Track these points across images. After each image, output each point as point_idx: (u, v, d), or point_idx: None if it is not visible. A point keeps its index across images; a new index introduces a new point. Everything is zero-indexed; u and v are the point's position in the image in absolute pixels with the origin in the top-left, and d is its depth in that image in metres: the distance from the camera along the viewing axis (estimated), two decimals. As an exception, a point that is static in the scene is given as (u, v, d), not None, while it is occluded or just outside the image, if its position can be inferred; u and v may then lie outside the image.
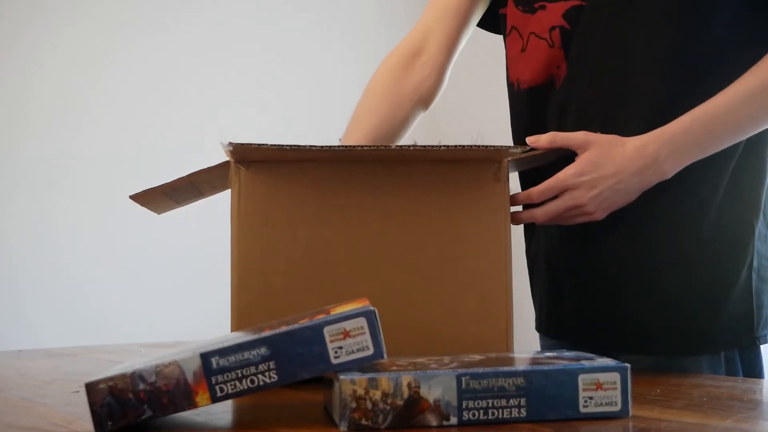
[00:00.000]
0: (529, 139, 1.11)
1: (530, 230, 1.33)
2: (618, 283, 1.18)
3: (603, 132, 1.12)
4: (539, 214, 1.11)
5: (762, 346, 1.19)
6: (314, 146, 0.97)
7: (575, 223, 1.12)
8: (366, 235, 1.03)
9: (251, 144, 0.96)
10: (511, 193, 1.07)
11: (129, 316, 3.13)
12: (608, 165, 1.09)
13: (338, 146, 0.97)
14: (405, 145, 0.99)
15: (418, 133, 4.53)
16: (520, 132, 1.30)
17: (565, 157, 1.20)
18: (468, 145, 0.99)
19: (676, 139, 1.09)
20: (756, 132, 1.14)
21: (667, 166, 1.10)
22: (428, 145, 0.98)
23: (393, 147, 0.99)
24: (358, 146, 0.97)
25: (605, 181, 1.08)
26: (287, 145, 0.97)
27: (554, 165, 1.25)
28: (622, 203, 1.11)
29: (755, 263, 1.16)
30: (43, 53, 3.07)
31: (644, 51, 1.15)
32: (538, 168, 1.27)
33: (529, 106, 1.26)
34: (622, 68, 1.17)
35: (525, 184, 1.32)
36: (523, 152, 1.05)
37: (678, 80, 1.14)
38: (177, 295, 3.22)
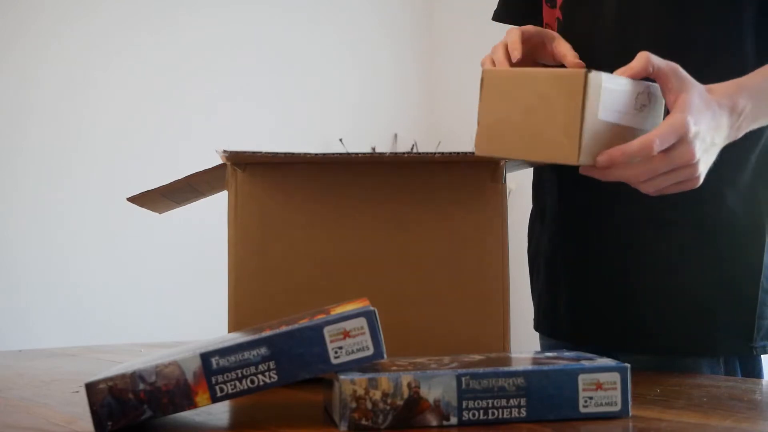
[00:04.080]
0: (619, 71, 0.91)
1: (532, 230, 1.33)
2: (619, 283, 1.18)
3: None
4: (642, 172, 0.87)
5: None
6: (308, 153, 0.97)
7: (667, 193, 0.92)
8: (363, 237, 1.03)
9: (245, 152, 0.97)
10: (509, 194, 1.07)
11: (129, 316, 3.13)
12: (709, 113, 0.91)
13: (333, 154, 0.98)
14: (400, 153, 0.99)
15: (418, 133, 4.52)
16: None
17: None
18: (464, 152, 0.99)
19: (760, 93, 0.97)
20: None
21: (744, 125, 0.97)
22: (423, 153, 0.99)
23: (387, 154, 1.00)
24: (353, 153, 0.98)
25: (710, 133, 0.90)
26: (281, 152, 0.97)
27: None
28: (709, 167, 0.94)
29: (763, 274, 1.14)
30: (46, 50, 3.07)
31: (609, 49, 1.16)
32: (553, 171, 1.26)
33: None
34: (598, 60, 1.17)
35: (538, 187, 1.32)
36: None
37: None
38: (177, 295, 3.22)
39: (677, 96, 0.89)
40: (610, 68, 1.16)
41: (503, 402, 0.76)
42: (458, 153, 0.99)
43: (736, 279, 1.13)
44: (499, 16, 1.38)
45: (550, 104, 0.84)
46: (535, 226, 1.32)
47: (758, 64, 1.09)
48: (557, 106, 0.83)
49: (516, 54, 1.11)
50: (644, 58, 0.90)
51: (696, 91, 0.90)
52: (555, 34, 1.18)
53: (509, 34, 1.14)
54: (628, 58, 1.16)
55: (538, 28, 1.17)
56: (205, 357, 0.75)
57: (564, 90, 0.83)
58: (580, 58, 1.17)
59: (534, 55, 1.15)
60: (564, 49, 1.15)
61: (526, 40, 1.12)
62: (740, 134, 0.98)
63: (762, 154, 1.15)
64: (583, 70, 0.83)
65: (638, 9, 1.15)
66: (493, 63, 1.14)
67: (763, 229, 1.15)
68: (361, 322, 0.76)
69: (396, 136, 3.81)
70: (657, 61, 0.90)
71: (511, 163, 1.08)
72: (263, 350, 0.75)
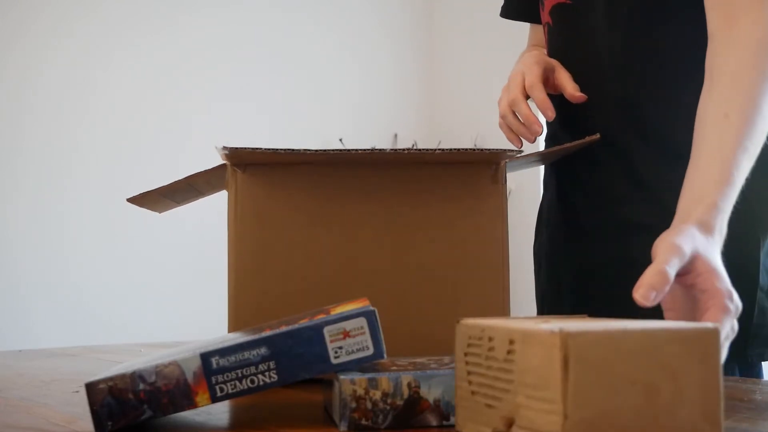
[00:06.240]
0: (646, 295, 0.83)
1: (538, 226, 1.33)
2: (617, 283, 1.18)
3: (593, 130, 1.13)
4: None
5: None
6: (309, 150, 0.97)
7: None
8: (362, 237, 1.03)
9: (245, 148, 0.96)
10: (509, 194, 1.07)
11: (129, 316, 3.13)
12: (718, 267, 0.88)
13: (333, 150, 0.97)
14: (401, 149, 0.99)
15: (418, 133, 4.53)
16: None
17: (579, 150, 1.19)
18: (464, 149, 0.99)
19: (721, 193, 0.92)
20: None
21: (725, 230, 0.92)
22: (424, 149, 0.99)
23: (388, 150, 0.99)
24: (353, 149, 0.98)
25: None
26: (282, 149, 0.97)
27: (586, 158, 1.22)
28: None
29: (761, 279, 1.13)
30: (46, 50, 3.07)
31: (601, 53, 1.16)
32: (574, 167, 1.25)
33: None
34: (583, 70, 1.17)
35: (550, 184, 1.31)
36: (519, 154, 1.05)
37: (636, 83, 1.14)
38: (177, 295, 3.22)
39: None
40: (604, 80, 1.16)
41: (503, 402, 0.76)
42: (458, 149, 0.99)
43: (732, 282, 1.13)
44: (507, 12, 1.38)
45: (676, 376, 0.61)
46: (540, 222, 1.32)
47: None
48: (686, 379, 0.61)
49: (550, 114, 1.12)
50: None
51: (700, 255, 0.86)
52: (556, 63, 1.18)
53: (531, 85, 1.13)
54: (618, 69, 1.16)
55: (546, 60, 1.18)
56: (205, 357, 0.75)
57: (696, 354, 0.61)
58: (569, 69, 1.17)
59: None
60: (563, 80, 1.16)
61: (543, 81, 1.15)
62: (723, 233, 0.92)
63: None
64: (714, 326, 0.62)
65: (621, 16, 1.15)
66: (515, 116, 1.15)
67: (756, 238, 1.14)
68: (361, 322, 0.76)
69: (396, 136, 3.81)
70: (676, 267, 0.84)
71: (511, 163, 1.08)
72: (263, 350, 0.75)
